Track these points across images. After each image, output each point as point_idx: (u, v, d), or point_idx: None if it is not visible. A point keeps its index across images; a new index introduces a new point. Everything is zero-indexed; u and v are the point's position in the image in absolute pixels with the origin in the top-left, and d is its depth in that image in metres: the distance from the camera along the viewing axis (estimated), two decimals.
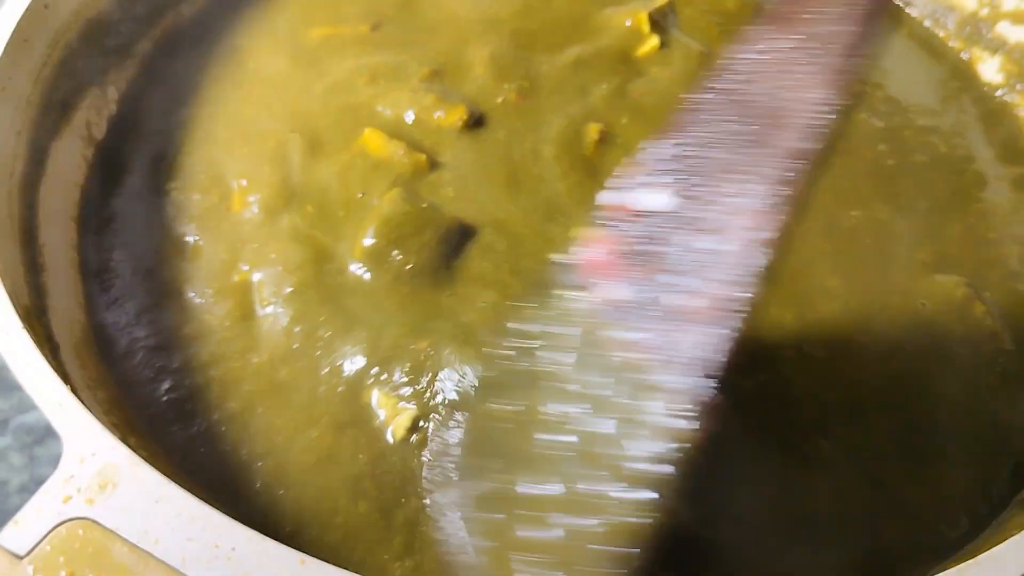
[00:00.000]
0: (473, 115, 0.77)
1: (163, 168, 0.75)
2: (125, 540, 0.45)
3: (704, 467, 0.47)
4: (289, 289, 0.66)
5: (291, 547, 0.46)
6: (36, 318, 0.60)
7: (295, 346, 0.63)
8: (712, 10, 0.93)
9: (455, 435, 0.53)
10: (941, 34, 0.95)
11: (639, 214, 0.51)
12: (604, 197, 0.52)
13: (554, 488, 0.48)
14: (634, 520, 0.46)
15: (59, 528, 0.46)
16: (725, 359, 0.46)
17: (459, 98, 0.79)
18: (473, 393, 0.60)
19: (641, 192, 0.51)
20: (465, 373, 0.61)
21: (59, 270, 0.67)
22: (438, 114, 0.77)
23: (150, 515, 0.46)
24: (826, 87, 0.49)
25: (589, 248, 0.52)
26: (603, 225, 0.52)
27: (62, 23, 0.75)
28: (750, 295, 0.47)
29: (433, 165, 0.74)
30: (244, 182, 0.73)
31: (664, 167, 0.51)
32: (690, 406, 0.46)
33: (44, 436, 0.76)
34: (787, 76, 0.50)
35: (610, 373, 0.49)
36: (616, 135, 0.78)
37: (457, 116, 0.77)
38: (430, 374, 0.61)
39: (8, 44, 0.68)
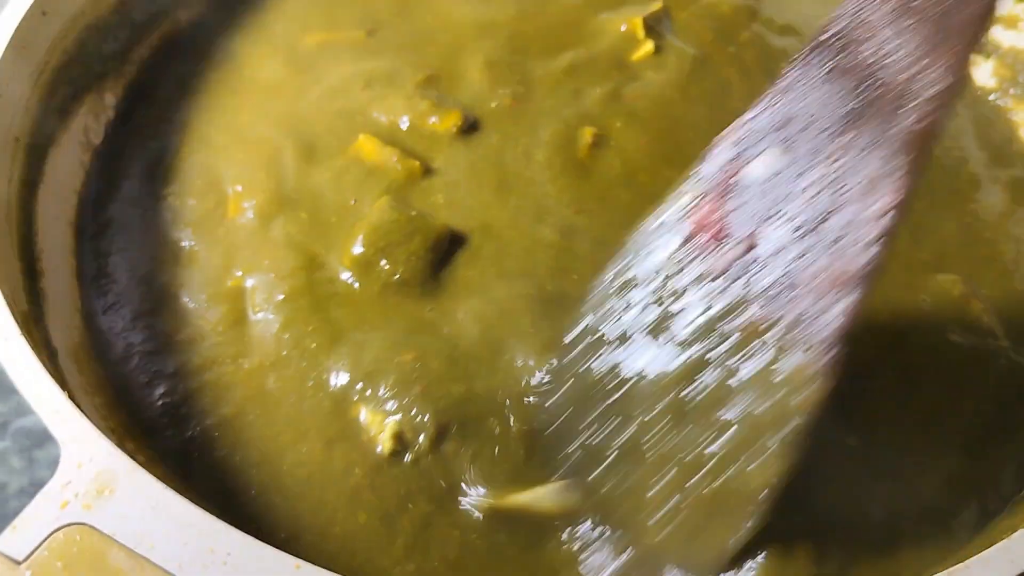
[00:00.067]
0: (468, 120, 0.78)
1: (160, 174, 0.76)
2: (122, 545, 0.46)
3: None
4: (280, 296, 0.66)
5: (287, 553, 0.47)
6: (34, 324, 0.60)
7: (284, 353, 0.64)
8: (707, 15, 0.94)
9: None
10: None
11: (748, 177, 0.51)
12: (715, 158, 0.52)
13: (678, 451, 0.52)
14: (761, 475, 0.49)
15: (57, 533, 0.46)
16: (846, 324, 0.47)
17: (454, 104, 0.79)
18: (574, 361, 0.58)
19: (751, 155, 0.51)
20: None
21: (57, 276, 0.67)
22: (433, 120, 0.77)
23: (147, 520, 0.47)
24: (938, 50, 0.47)
25: (698, 211, 0.52)
26: (712, 189, 0.52)
27: (60, 30, 0.75)
28: (870, 262, 0.47)
29: (427, 171, 0.74)
30: (239, 188, 0.73)
31: (771, 129, 0.51)
32: (809, 368, 0.48)
33: (43, 439, 0.76)
34: (896, 38, 0.48)
35: (724, 336, 0.51)
36: (609, 138, 0.78)
37: (452, 122, 0.77)
38: (417, 386, 0.61)
39: (6, 50, 0.68)
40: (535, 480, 0.58)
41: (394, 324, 0.65)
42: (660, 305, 0.54)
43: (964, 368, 0.66)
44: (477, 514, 0.57)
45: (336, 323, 0.65)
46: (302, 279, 0.67)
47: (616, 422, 0.55)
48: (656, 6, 0.91)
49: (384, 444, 0.59)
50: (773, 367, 0.49)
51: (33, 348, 0.54)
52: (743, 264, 0.51)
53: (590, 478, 0.55)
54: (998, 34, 0.90)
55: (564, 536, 0.56)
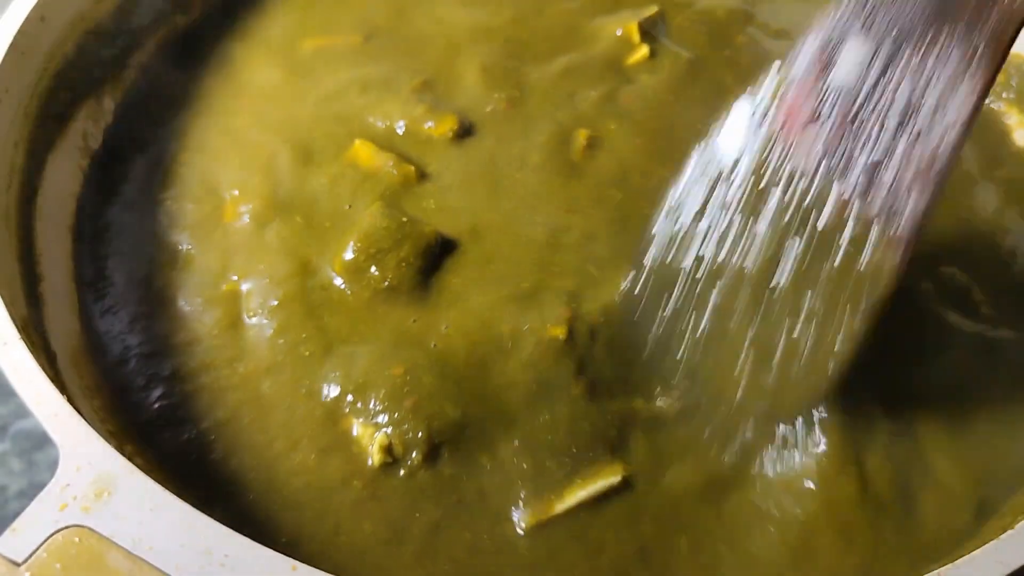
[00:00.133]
0: (463, 125, 0.78)
1: (158, 178, 0.76)
2: (120, 547, 0.46)
3: None
4: (274, 302, 0.67)
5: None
6: (34, 328, 0.61)
7: (278, 359, 0.64)
8: (702, 19, 0.94)
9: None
10: None
11: (835, 69, 0.54)
12: (803, 50, 0.55)
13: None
14: (836, 351, 0.55)
15: (56, 535, 0.47)
16: (928, 210, 0.51)
17: (449, 108, 0.79)
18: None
19: (838, 47, 0.54)
20: None
21: (56, 280, 0.68)
22: (428, 124, 0.78)
23: (145, 523, 0.47)
24: None
25: (787, 101, 0.55)
26: (801, 79, 0.54)
27: (59, 35, 0.75)
28: (952, 153, 0.50)
29: (422, 176, 0.75)
30: (236, 192, 0.74)
31: (859, 22, 0.53)
32: (890, 252, 0.52)
33: (43, 442, 0.77)
34: None
35: (808, 222, 0.54)
36: (603, 140, 0.79)
37: (448, 126, 0.77)
38: (408, 401, 0.61)
39: (5, 56, 0.69)
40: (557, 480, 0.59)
41: (383, 335, 0.65)
42: (746, 194, 0.56)
43: (967, 358, 0.67)
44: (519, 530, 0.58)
45: (329, 331, 0.65)
46: (296, 285, 0.67)
47: (699, 309, 0.59)
48: (651, 11, 0.92)
49: (374, 457, 0.59)
50: (855, 252, 0.53)
51: (32, 352, 0.55)
52: (830, 153, 0.53)
53: (677, 358, 0.60)
54: None
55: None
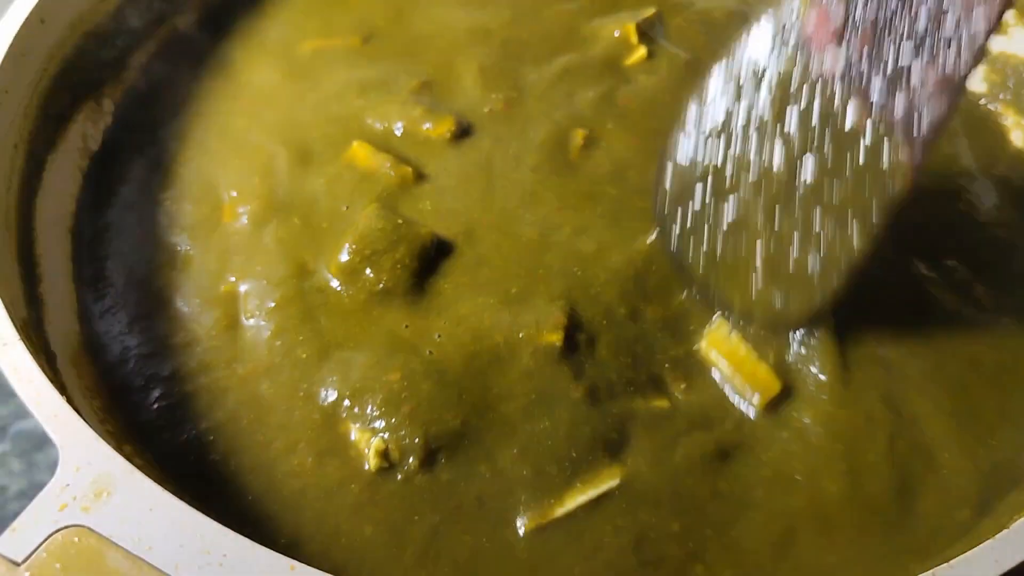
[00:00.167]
0: (461, 126, 0.78)
1: (157, 179, 0.76)
2: (119, 547, 0.47)
3: None
4: (272, 304, 0.67)
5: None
6: (33, 329, 0.61)
7: (276, 361, 0.64)
8: (700, 20, 0.95)
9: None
10: None
11: None
12: None
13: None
14: (849, 248, 0.60)
15: (55, 535, 0.47)
16: (945, 119, 0.55)
17: (447, 110, 0.80)
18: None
19: None
20: None
21: (55, 281, 0.68)
22: (426, 126, 0.78)
23: (144, 522, 0.48)
24: None
25: (814, 15, 0.58)
26: None
27: (58, 37, 0.76)
28: (971, 66, 0.54)
29: (419, 177, 0.75)
30: (234, 193, 0.74)
31: None
32: (908, 157, 0.56)
33: (43, 443, 0.77)
34: None
35: (832, 128, 0.58)
36: (600, 139, 0.79)
37: (445, 128, 0.78)
38: (405, 407, 0.61)
39: (4, 58, 0.69)
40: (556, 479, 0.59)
41: (378, 339, 0.65)
42: (772, 101, 0.61)
43: (972, 348, 0.68)
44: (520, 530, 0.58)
45: (325, 334, 0.65)
46: (293, 287, 0.68)
47: (722, 207, 0.64)
48: (649, 12, 0.92)
49: (370, 461, 0.59)
50: (877, 153, 0.57)
51: (32, 353, 0.55)
52: (856, 61, 0.57)
53: (701, 249, 0.65)
54: (989, 39, 0.90)
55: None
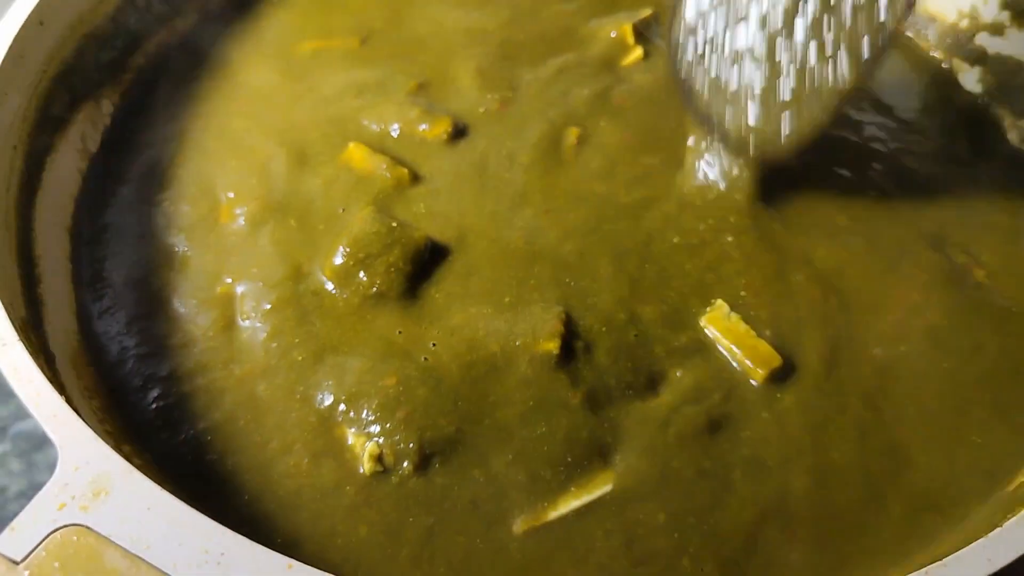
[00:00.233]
0: (457, 127, 0.79)
1: (155, 179, 0.77)
2: (118, 546, 0.47)
3: None
4: (267, 306, 0.67)
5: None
6: (33, 330, 0.62)
7: (272, 363, 0.64)
8: None
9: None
10: (923, 45, 0.96)
11: None
12: None
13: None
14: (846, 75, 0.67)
15: (54, 534, 0.47)
16: None
17: (444, 111, 0.80)
18: None
19: None
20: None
21: (54, 281, 0.68)
22: (423, 127, 0.78)
23: (142, 522, 0.48)
24: None
25: None
26: None
27: (57, 39, 0.76)
28: None
29: (415, 179, 0.75)
30: (232, 194, 0.74)
31: None
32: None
33: (42, 443, 0.77)
34: None
35: None
36: (592, 135, 0.80)
37: (442, 129, 0.78)
38: (401, 412, 0.61)
39: (4, 60, 0.69)
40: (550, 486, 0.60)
41: (373, 344, 0.65)
42: None
43: (981, 325, 0.69)
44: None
45: (320, 337, 0.65)
46: (289, 289, 0.68)
47: (729, 37, 0.70)
48: (646, 13, 0.92)
49: (365, 465, 0.59)
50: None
51: (32, 354, 0.55)
52: None
53: (708, 77, 0.72)
54: (984, 41, 0.91)
55: None
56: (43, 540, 0.47)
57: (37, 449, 0.78)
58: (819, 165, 0.79)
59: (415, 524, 0.58)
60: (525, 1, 0.95)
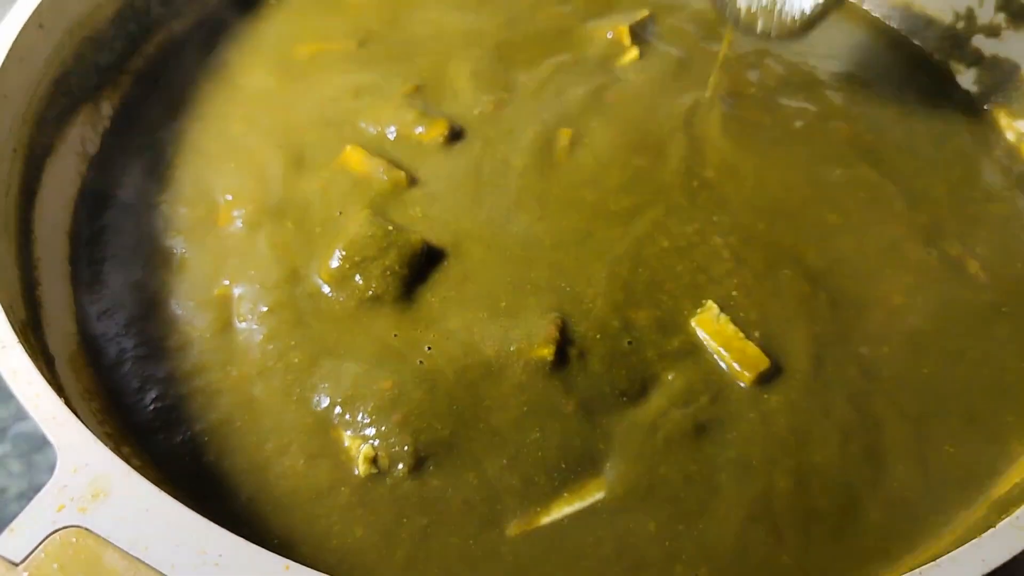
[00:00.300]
0: (453, 130, 0.79)
1: (153, 182, 0.77)
2: (116, 547, 0.47)
3: None
4: (264, 308, 0.67)
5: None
6: (32, 332, 0.62)
7: (269, 364, 0.65)
8: (693, 19, 0.95)
9: None
10: (921, 45, 0.97)
11: None
12: None
13: None
14: None
15: (53, 536, 0.47)
16: None
17: (440, 113, 0.80)
18: None
19: None
20: None
21: (53, 283, 0.69)
22: (419, 130, 0.78)
23: (140, 523, 0.48)
24: None
25: None
26: None
27: (57, 42, 0.76)
28: None
29: (412, 182, 0.75)
30: (229, 197, 0.75)
31: None
32: None
33: (42, 444, 0.77)
34: None
35: None
36: (584, 136, 0.80)
37: (438, 132, 0.78)
38: (396, 415, 0.61)
39: (4, 62, 0.70)
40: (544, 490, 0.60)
41: (368, 347, 0.65)
42: None
43: (965, 329, 0.69)
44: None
45: (316, 340, 0.66)
46: (285, 292, 0.68)
47: None
48: (643, 14, 0.93)
49: (360, 467, 0.60)
50: None
51: (31, 356, 0.56)
52: None
53: None
54: (980, 43, 0.91)
55: None
56: (42, 541, 0.47)
57: (37, 450, 0.78)
58: (809, 159, 0.80)
59: (409, 525, 0.58)
60: (522, 3, 0.95)
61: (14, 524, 0.48)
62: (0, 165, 0.68)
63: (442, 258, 0.71)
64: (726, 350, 0.66)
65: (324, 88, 0.83)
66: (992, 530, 0.52)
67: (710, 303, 0.68)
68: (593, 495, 0.60)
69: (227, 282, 0.69)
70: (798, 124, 0.84)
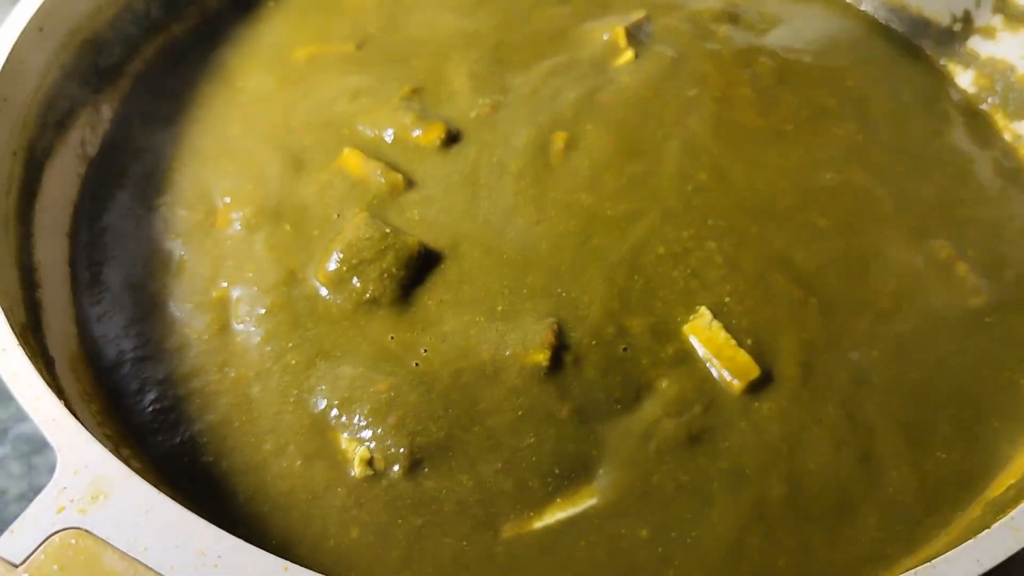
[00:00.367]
0: (450, 133, 0.79)
1: (153, 184, 0.77)
2: (116, 548, 0.48)
3: None
4: (262, 310, 0.68)
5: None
6: (32, 334, 0.62)
7: (266, 366, 0.65)
8: (689, 19, 0.95)
9: None
10: (919, 46, 0.97)
11: None
12: None
13: None
14: None
15: (53, 537, 0.48)
16: None
17: (437, 116, 0.81)
18: None
19: None
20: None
21: (53, 286, 0.69)
22: (416, 133, 0.79)
23: (140, 524, 0.49)
24: None
25: None
26: None
27: (57, 45, 0.77)
28: None
29: (409, 185, 0.76)
30: (228, 199, 0.75)
31: None
32: None
33: (42, 445, 0.77)
34: None
35: None
36: (579, 139, 0.80)
37: (435, 134, 0.78)
38: (392, 417, 0.62)
39: (4, 66, 0.70)
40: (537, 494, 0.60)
41: (365, 349, 0.66)
42: None
43: (953, 333, 0.70)
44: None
45: (314, 342, 0.66)
46: (283, 294, 0.68)
47: None
48: (639, 15, 0.93)
49: (356, 469, 0.60)
50: None
51: (31, 358, 0.56)
52: None
53: None
54: (977, 45, 0.92)
55: None
56: (42, 543, 0.48)
57: (37, 452, 0.78)
58: (800, 162, 0.80)
59: (404, 526, 0.59)
60: (518, 5, 0.95)
61: (14, 526, 0.48)
62: (0, 167, 0.68)
63: (439, 261, 0.71)
64: (717, 358, 0.66)
65: (322, 90, 0.84)
66: (987, 531, 0.53)
67: (703, 309, 0.68)
68: (586, 501, 0.60)
69: (225, 284, 0.70)
70: (790, 126, 0.84)
